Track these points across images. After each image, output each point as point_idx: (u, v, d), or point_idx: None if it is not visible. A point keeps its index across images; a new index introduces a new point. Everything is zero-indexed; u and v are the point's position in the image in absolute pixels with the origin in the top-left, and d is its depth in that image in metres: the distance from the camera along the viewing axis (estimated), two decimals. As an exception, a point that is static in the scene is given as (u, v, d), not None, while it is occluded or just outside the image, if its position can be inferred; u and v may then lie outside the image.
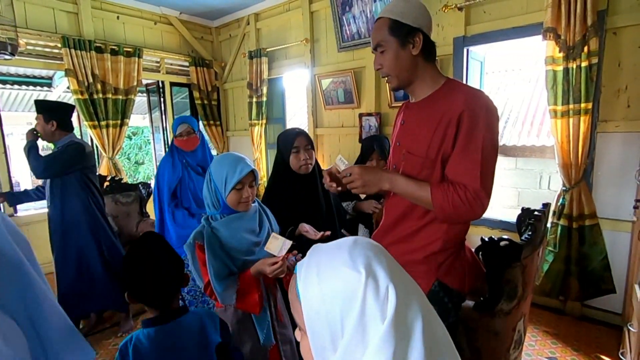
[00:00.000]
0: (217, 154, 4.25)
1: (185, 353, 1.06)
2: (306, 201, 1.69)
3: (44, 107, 2.28)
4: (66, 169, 2.27)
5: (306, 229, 1.59)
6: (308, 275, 0.53)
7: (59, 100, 5.00)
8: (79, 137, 2.49)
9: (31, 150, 2.24)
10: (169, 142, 4.60)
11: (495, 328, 1.30)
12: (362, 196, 2.21)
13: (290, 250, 1.27)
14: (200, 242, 1.29)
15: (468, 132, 1.04)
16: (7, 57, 2.62)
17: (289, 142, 1.66)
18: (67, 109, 2.39)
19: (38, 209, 3.96)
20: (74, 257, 2.36)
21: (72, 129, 2.40)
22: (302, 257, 1.06)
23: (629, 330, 1.62)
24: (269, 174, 1.82)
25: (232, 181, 1.28)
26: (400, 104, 1.38)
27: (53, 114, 2.26)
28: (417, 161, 1.13)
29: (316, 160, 1.77)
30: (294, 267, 1.26)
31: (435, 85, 1.14)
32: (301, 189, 1.68)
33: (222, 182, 1.29)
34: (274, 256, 1.24)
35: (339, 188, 1.20)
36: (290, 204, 1.65)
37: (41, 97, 7.12)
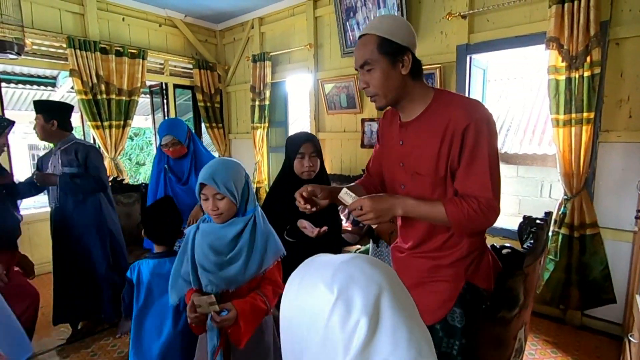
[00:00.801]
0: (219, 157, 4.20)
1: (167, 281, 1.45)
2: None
3: (43, 107, 2.28)
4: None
5: (304, 224, 1.57)
6: (291, 283, 0.51)
7: (62, 100, 5.01)
8: (81, 137, 2.50)
9: (76, 178, 2.24)
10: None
11: (496, 336, 1.30)
12: None
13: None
14: None
15: (474, 144, 1.04)
16: (13, 56, 2.63)
17: (296, 147, 1.67)
18: (67, 108, 2.39)
19: (38, 208, 3.96)
20: (77, 259, 2.34)
21: (72, 128, 2.40)
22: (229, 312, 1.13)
23: (629, 341, 1.61)
24: (275, 176, 1.81)
25: (196, 190, 1.27)
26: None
27: (53, 114, 2.26)
28: (427, 181, 1.12)
29: (322, 167, 1.77)
30: (220, 323, 1.18)
31: (425, 100, 1.13)
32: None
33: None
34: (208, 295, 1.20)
35: (314, 209, 1.19)
36: (293, 207, 1.65)
37: (45, 97, 7.14)
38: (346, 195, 1.13)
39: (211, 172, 1.24)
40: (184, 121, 2.34)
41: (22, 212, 3.46)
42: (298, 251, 1.57)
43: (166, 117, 4.54)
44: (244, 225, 1.29)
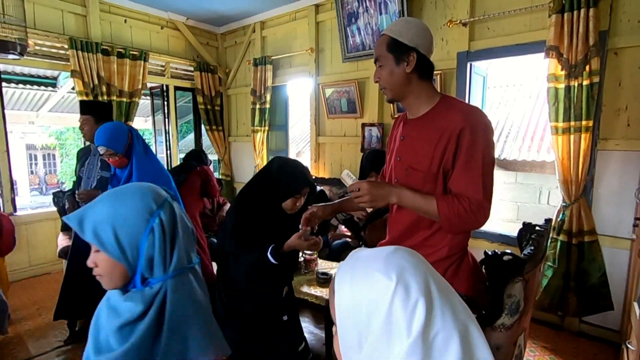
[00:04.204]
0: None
1: None
2: (280, 231, 1.61)
3: (94, 108, 2.33)
4: None
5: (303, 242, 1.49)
6: (342, 277, 0.56)
7: (62, 100, 4.99)
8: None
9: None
10: (170, 145, 4.61)
11: (496, 342, 1.30)
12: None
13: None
14: None
15: (469, 147, 1.09)
16: (16, 57, 2.63)
17: (298, 187, 1.57)
18: (111, 109, 2.46)
19: (35, 208, 3.95)
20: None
21: None
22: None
23: (627, 348, 1.62)
24: (247, 191, 1.65)
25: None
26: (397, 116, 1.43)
27: (103, 115, 2.31)
28: (419, 176, 1.18)
29: None
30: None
31: (431, 102, 1.21)
32: (277, 220, 1.60)
33: None
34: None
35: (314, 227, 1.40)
36: (266, 230, 1.56)
37: (45, 97, 7.13)
38: (347, 177, 1.24)
39: (85, 208, 0.76)
40: (125, 128, 2.06)
41: (19, 213, 3.48)
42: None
43: (167, 119, 4.54)
44: (144, 307, 0.75)
